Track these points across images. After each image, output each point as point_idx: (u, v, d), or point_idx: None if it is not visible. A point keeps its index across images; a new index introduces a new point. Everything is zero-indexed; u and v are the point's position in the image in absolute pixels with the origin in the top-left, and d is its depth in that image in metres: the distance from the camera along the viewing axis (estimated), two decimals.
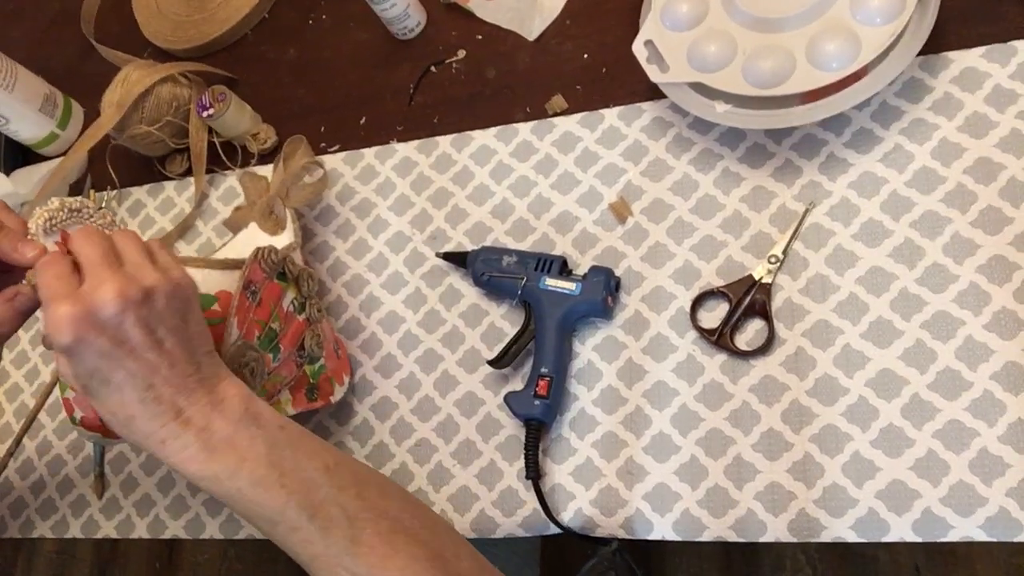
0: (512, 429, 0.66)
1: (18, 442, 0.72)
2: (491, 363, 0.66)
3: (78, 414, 0.58)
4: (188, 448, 0.46)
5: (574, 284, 0.65)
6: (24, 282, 0.52)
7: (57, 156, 0.95)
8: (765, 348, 0.61)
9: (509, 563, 0.82)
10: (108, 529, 0.76)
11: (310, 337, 0.64)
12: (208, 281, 0.57)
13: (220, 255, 0.66)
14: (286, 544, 0.48)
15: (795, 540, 0.57)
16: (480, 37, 0.80)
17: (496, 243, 0.72)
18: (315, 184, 0.74)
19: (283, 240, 0.68)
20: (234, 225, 0.75)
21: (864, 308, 0.60)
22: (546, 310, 0.65)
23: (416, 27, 0.82)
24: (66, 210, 0.51)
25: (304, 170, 0.73)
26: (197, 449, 0.46)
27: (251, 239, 0.68)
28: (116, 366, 0.45)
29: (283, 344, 0.62)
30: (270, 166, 0.78)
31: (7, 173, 0.94)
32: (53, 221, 0.50)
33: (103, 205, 0.59)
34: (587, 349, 0.66)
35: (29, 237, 0.50)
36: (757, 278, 0.62)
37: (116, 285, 0.45)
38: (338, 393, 0.69)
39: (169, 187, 0.88)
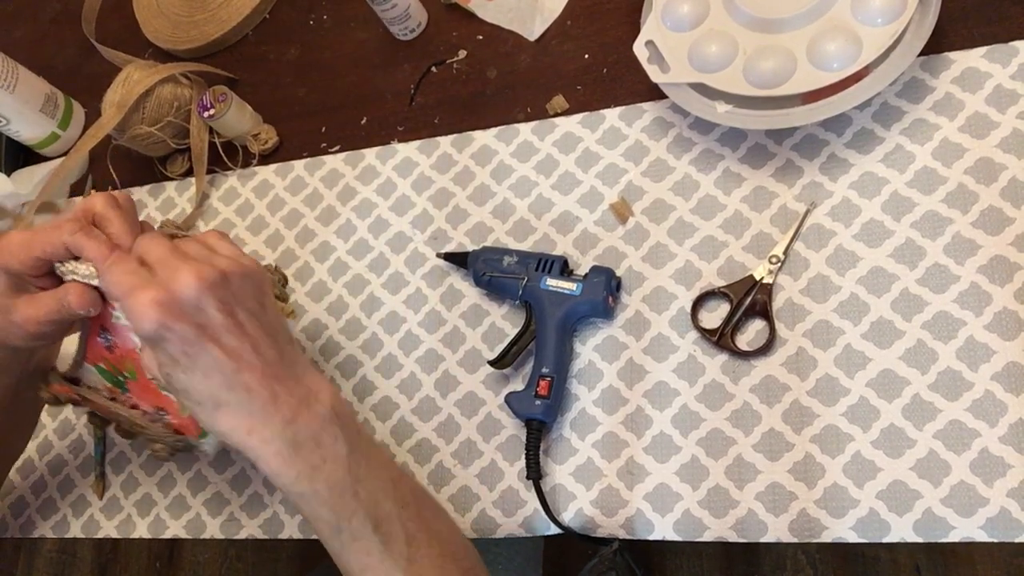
0: (513, 429, 0.66)
1: None
2: (492, 363, 0.66)
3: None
4: (273, 442, 0.45)
5: (575, 284, 0.65)
6: (62, 271, 0.51)
7: (58, 156, 0.95)
8: (766, 348, 0.61)
9: (512, 563, 0.82)
10: (109, 529, 0.76)
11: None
12: None
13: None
14: (343, 550, 0.47)
15: (796, 540, 0.57)
16: (481, 37, 0.80)
17: (497, 243, 0.72)
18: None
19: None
20: None
21: (865, 308, 0.60)
22: (547, 310, 0.65)
23: (417, 27, 0.82)
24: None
25: None
26: (283, 444, 0.45)
27: None
28: (200, 351, 0.44)
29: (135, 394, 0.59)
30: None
31: (8, 173, 0.94)
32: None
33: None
34: (588, 349, 0.66)
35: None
36: (758, 278, 0.62)
37: (192, 268, 0.44)
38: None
39: (170, 187, 0.88)
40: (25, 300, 0.51)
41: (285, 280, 0.65)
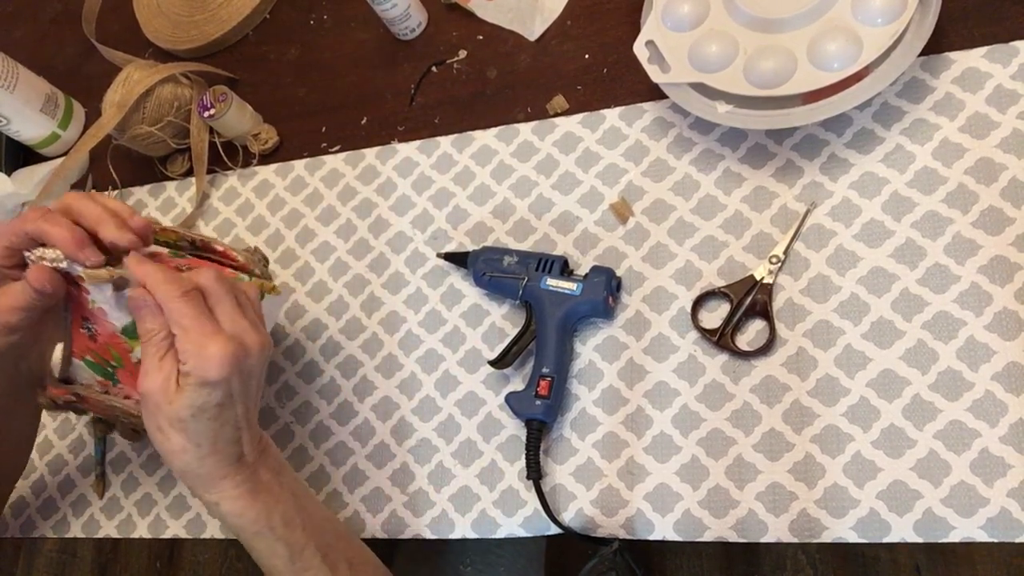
0: (513, 429, 0.66)
1: None
2: (492, 363, 0.66)
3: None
4: (240, 487, 0.51)
5: (575, 284, 0.65)
6: (31, 259, 0.52)
7: (58, 156, 0.95)
8: (766, 348, 0.61)
9: (515, 564, 0.82)
10: (109, 529, 0.76)
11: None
12: None
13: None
14: None
15: (796, 540, 0.57)
16: (481, 37, 0.80)
17: (497, 243, 0.72)
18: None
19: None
20: None
21: (865, 308, 0.60)
22: (547, 310, 0.65)
23: (417, 27, 0.82)
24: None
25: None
26: (247, 489, 0.51)
27: None
28: (231, 406, 0.49)
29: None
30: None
31: (8, 173, 0.94)
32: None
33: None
34: (588, 349, 0.66)
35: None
36: (758, 278, 0.62)
37: (259, 336, 0.50)
38: None
39: (170, 187, 0.88)
40: None
41: (267, 261, 0.66)
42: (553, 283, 0.65)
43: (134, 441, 0.76)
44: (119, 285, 0.52)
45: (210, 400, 0.48)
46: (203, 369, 0.47)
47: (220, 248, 0.62)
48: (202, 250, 0.61)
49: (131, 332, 0.55)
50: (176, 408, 0.48)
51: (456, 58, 0.80)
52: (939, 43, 0.63)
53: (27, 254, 0.52)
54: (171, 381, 0.48)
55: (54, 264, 0.51)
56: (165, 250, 0.57)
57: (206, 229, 0.84)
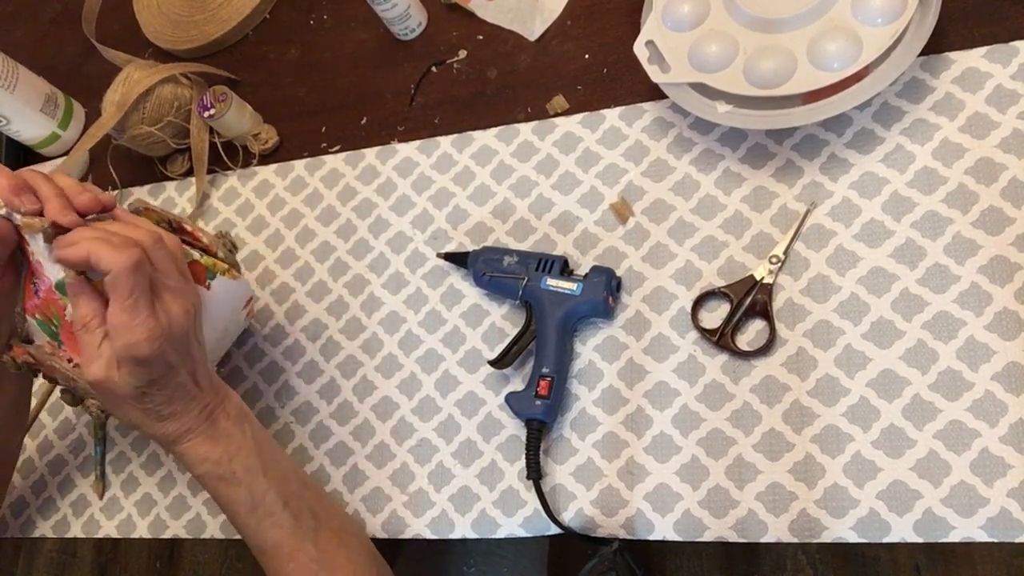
0: (513, 429, 0.66)
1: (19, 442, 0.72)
2: (492, 363, 0.66)
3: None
4: (201, 435, 0.54)
5: (575, 284, 0.65)
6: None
7: (58, 156, 0.96)
8: (766, 348, 0.61)
9: (518, 565, 0.82)
10: (109, 529, 0.76)
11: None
12: None
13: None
14: (258, 528, 0.55)
15: (796, 540, 0.57)
16: (481, 37, 0.80)
17: (497, 243, 0.72)
18: None
19: None
20: None
21: (865, 308, 0.60)
22: (547, 310, 0.65)
23: (417, 27, 0.82)
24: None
25: None
26: (207, 436, 0.54)
27: None
28: (174, 374, 0.52)
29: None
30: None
31: None
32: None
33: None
34: (588, 349, 0.66)
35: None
36: (758, 278, 0.62)
37: (183, 303, 0.52)
38: None
39: (170, 187, 0.88)
40: None
41: (235, 248, 0.67)
42: (553, 283, 0.65)
43: (73, 407, 0.74)
44: (47, 236, 0.52)
45: (151, 375, 0.51)
46: (134, 349, 0.49)
47: (189, 228, 0.63)
48: (176, 230, 0.62)
49: (63, 289, 0.55)
50: (123, 388, 0.51)
51: (456, 58, 0.80)
52: (939, 43, 0.63)
53: None
54: (112, 364, 0.50)
55: None
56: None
57: (207, 229, 0.84)
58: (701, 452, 0.60)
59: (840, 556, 1.24)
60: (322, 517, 0.57)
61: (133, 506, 0.76)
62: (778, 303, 0.62)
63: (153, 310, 0.50)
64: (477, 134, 0.76)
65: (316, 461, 0.71)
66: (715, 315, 0.63)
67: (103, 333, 0.50)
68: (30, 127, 0.92)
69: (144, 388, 0.51)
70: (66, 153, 0.93)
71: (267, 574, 0.57)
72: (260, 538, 0.55)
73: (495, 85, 0.78)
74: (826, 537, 0.56)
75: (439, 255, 0.72)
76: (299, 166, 0.82)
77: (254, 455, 0.55)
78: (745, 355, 0.61)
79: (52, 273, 0.55)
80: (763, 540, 0.57)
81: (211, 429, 0.54)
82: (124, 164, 0.90)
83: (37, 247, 0.54)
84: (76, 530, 0.77)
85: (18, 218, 0.52)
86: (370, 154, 0.80)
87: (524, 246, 0.71)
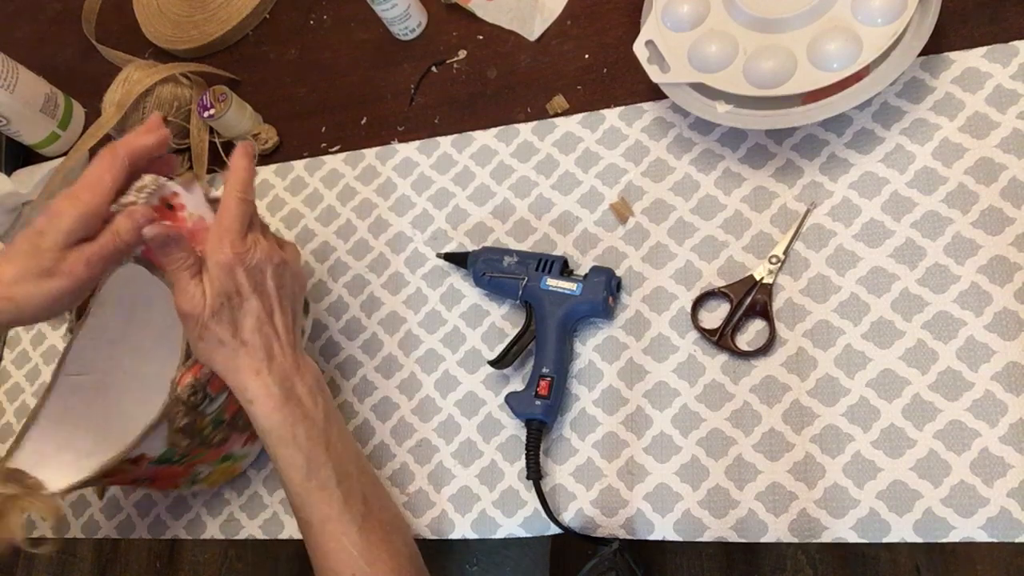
0: (513, 429, 0.66)
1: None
2: (492, 363, 0.66)
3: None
4: (272, 387, 0.55)
5: (575, 284, 0.65)
6: (123, 204, 0.55)
7: (58, 156, 0.95)
8: (766, 348, 0.61)
9: (521, 564, 0.82)
10: (109, 529, 0.76)
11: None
12: None
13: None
14: (308, 499, 0.55)
15: (796, 540, 0.57)
16: (481, 37, 0.80)
17: (497, 243, 0.72)
18: None
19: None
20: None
21: (865, 308, 0.60)
22: (547, 310, 0.65)
23: (417, 27, 0.82)
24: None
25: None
26: (278, 392, 0.55)
27: None
28: (248, 296, 0.55)
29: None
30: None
31: (8, 173, 0.94)
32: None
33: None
34: (588, 349, 0.66)
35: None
36: (758, 278, 0.62)
37: (267, 247, 0.57)
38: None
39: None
40: (74, 250, 0.54)
41: None
42: (553, 283, 0.65)
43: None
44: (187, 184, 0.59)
45: (225, 286, 0.54)
46: (213, 252, 0.54)
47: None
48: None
49: None
50: (204, 308, 0.54)
51: (456, 58, 0.80)
52: (939, 43, 0.63)
53: (113, 206, 0.54)
54: (200, 292, 0.54)
55: (149, 192, 0.56)
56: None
57: None
58: (701, 452, 0.60)
59: (840, 556, 1.24)
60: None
61: (133, 506, 0.76)
62: (778, 303, 0.62)
63: (244, 237, 0.55)
64: (477, 134, 0.76)
65: None
66: (715, 315, 0.63)
67: (197, 270, 0.55)
68: (30, 127, 0.92)
69: (219, 301, 0.54)
70: (66, 153, 0.93)
71: (308, 548, 0.56)
72: (308, 511, 0.55)
73: (495, 85, 0.78)
74: (826, 537, 0.56)
75: (439, 255, 0.72)
76: (299, 166, 0.82)
77: (320, 428, 0.56)
78: (745, 355, 0.61)
79: (211, 217, 0.58)
80: (763, 540, 0.57)
81: (284, 389, 0.56)
82: None
83: (193, 201, 0.58)
84: (76, 530, 0.77)
85: (172, 186, 0.57)
86: (370, 154, 0.80)
87: (524, 246, 0.71)
